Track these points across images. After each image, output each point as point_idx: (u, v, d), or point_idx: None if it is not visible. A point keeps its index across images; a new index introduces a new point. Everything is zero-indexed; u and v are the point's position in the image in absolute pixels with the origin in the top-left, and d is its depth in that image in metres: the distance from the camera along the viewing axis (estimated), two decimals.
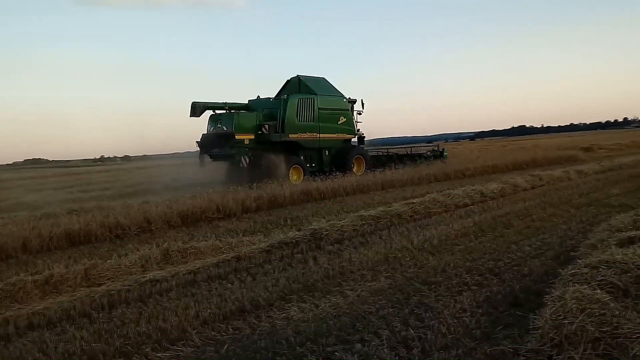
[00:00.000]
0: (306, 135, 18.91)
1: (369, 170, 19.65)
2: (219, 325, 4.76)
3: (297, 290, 5.62)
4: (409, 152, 24.18)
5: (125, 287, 6.05)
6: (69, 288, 6.17)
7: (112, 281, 6.36)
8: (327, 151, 20.00)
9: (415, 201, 10.63)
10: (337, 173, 17.07)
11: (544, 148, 30.56)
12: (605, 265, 4.43)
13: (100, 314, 5.26)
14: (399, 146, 29.38)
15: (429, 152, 23.61)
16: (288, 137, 18.25)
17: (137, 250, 7.76)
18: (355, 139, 21.41)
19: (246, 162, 17.39)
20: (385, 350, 3.91)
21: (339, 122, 20.11)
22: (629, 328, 3.35)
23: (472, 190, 12.03)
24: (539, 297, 4.55)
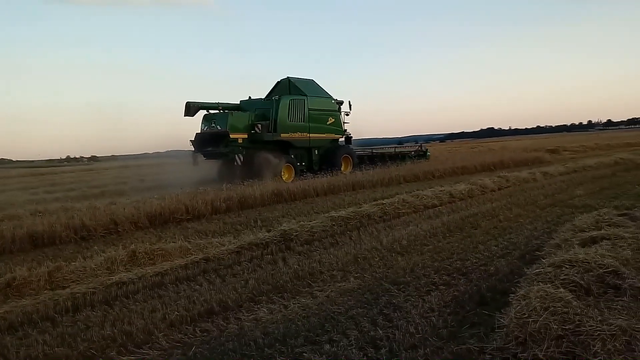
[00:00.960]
0: (297, 135, 19.64)
1: (355, 169, 20.43)
2: (187, 328, 4.69)
3: (267, 291, 5.58)
4: (394, 152, 25.33)
5: (91, 289, 5.91)
6: (32, 291, 6.00)
7: (77, 284, 6.21)
8: (316, 150, 20.79)
9: (385, 202, 10.70)
10: (327, 171, 17.90)
11: (511, 150, 31.13)
12: (569, 265, 4.53)
13: (64, 318, 5.14)
14: (383, 146, 31.06)
15: (413, 152, 25.11)
16: (280, 137, 18.90)
17: (103, 252, 7.60)
18: (342, 139, 22.30)
19: (240, 161, 17.89)
20: (354, 350, 3.92)
21: (327, 123, 21.01)
22: (591, 326, 3.43)
23: (441, 191, 12.17)
24: (504, 296, 4.61)
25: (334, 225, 8.91)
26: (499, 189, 13.51)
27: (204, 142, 18.71)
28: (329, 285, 5.68)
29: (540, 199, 11.21)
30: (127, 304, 5.44)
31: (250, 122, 18.76)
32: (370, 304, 4.97)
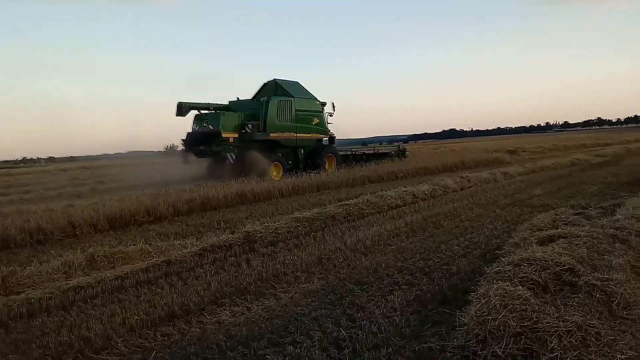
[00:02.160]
0: (285, 135, 20.59)
1: (338, 168, 21.50)
2: (147, 332, 4.60)
3: (230, 293, 5.52)
4: (374, 152, 27.10)
5: (47, 294, 5.73)
6: None
7: (32, 289, 6.01)
8: (302, 150, 21.78)
9: (349, 203, 10.74)
10: (312, 170, 18.85)
11: (472, 151, 31.74)
12: (527, 263, 4.62)
13: (18, 324, 4.99)
14: (364, 146, 34.01)
15: (394, 152, 26.37)
16: (269, 136, 19.79)
17: (60, 256, 7.37)
18: (326, 139, 23.38)
19: (233, 159, 18.66)
20: (317, 351, 3.91)
21: (313, 123, 22.06)
22: (548, 322, 3.50)
23: (404, 191, 12.29)
24: (465, 295, 4.68)
25: (298, 226, 8.89)
26: (461, 189, 13.74)
27: (196, 141, 19.30)
28: (293, 287, 5.66)
29: (501, 199, 11.44)
30: (85, 309, 5.30)
31: (240, 122, 19.45)
32: (333, 305, 4.97)
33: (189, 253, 7.30)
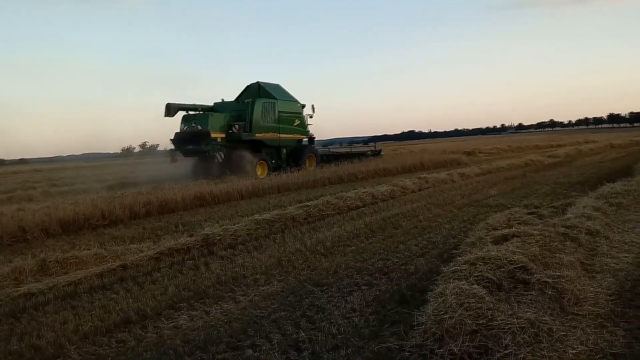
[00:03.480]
0: (269, 135, 21.59)
1: (318, 166, 22.36)
2: (101, 339, 4.48)
3: (188, 297, 5.44)
4: (350, 151, 28.42)
5: None
6: None
7: None
8: (284, 149, 22.82)
9: (309, 204, 10.74)
10: (294, 168, 20.38)
11: (430, 152, 32.17)
12: (482, 262, 4.71)
13: None
14: (340, 146, 34.83)
15: (370, 152, 28.04)
16: (255, 136, 20.74)
17: (10, 261, 7.14)
18: (306, 139, 24.52)
19: (221, 158, 19.56)
20: (276, 354, 3.88)
21: (294, 124, 23.21)
22: (502, 319, 3.58)
23: (364, 192, 12.38)
24: (423, 294, 4.73)
25: (258, 228, 8.84)
26: (419, 190, 13.93)
27: (184, 141, 20.02)
28: (252, 290, 5.62)
29: (458, 199, 11.66)
30: (36, 317, 5.13)
31: (225, 123, 20.32)
32: (293, 307, 4.96)
33: (145, 257, 7.16)
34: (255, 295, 5.41)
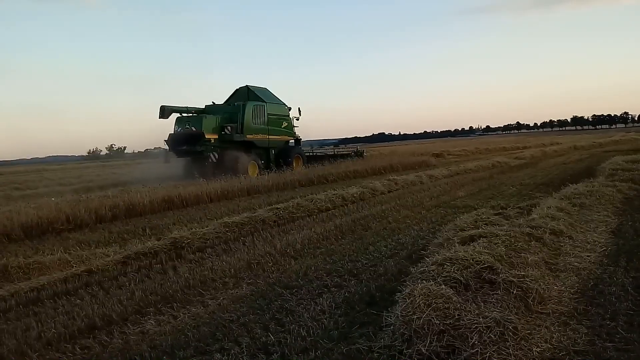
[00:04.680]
0: (259, 136, 22.66)
1: (304, 167, 23.23)
2: (65, 346, 4.38)
3: (155, 302, 5.35)
4: (334, 153, 29.49)
5: None
6: None
7: None
8: (273, 150, 23.93)
9: (279, 206, 10.70)
10: (282, 168, 21.12)
11: (400, 154, 32.40)
12: (450, 262, 4.76)
13: None
14: (325, 147, 36.44)
15: (353, 153, 29.20)
16: (246, 138, 21.74)
17: None
18: (292, 141, 25.65)
19: (215, 158, 20.42)
20: (245, 357, 3.86)
21: (282, 126, 24.28)
22: (469, 319, 3.62)
23: (334, 194, 12.41)
24: (392, 295, 4.74)
25: (227, 231, 8.76)
26: (389, 192, 14.03)
27: (178, 142, 20.78)
28: (221, 293, 5.56)
29: (426, 201, 11.78)
30: None
31: (217, 125, 21.12)
32: (262, 310, 4.93)
33: (111, 261, 7.03)
34: (224, 298, 5.36)
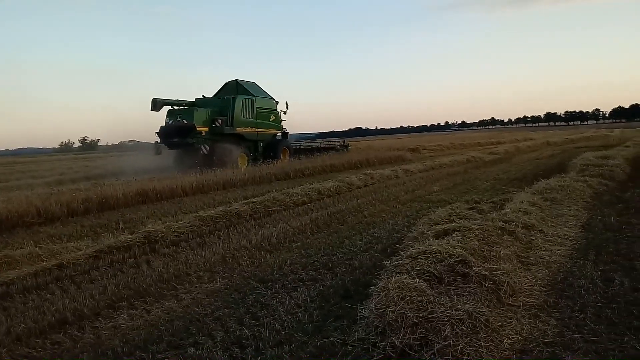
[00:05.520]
0: (248, 130, 23.09)
1: (292, 159, 23.54)
2: (35, 341, 4.30)
3: (128, 296, 5.29)
4: (320, 146, 30.24)
5: None
6: None
7: None
8: (261, 143, 24.39)
9: (255, 200, 10.66)
10: (270, 160, 21.81)
11: (376, 149, 32.48)
12: (424, 256, 4.80)
13: None
14: (311, 141, 37.63)
15: (339, 146, 29.78)
16: (236, 131, 22.19)
17: None
18: (280, 134, 25.98)
19: (206, 150, 20.82)
20: (219, 352, 3.84)
21: (270, 120, 24.70)
22: (442, 312, 3.66)
23: (310, 188, 12.40)
24: (367, 289, 4.76)
25: (202, 225, 8.70)
26: (365, 186, 14.08)
27: (170, 134, 21.13)
28: (196, 287, 5.52)
29: (402, 195, 11.87)
30: None
31: (207, 118, 21.45)
32: (237, 304, 4.91)
33: (83, 255, 6.91)
34: (198, 292, 5.33)
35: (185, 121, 21.02)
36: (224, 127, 21.60)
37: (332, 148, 29.23)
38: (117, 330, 4.44)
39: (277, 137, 25.88)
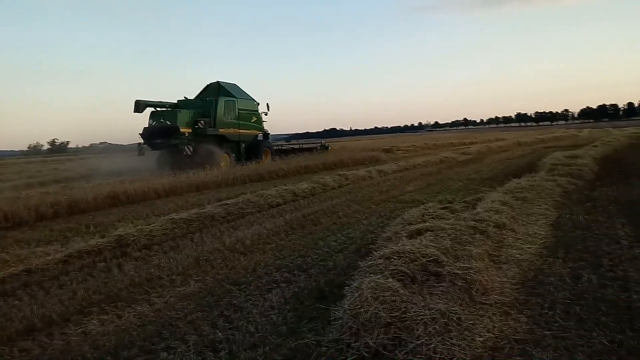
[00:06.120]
0: (231, 131, 23.49)
1: (273, 159, 24.05)
2: (2, 348, 4.19)
3: (98, 301, 5.19)
4: (301, 147, 30.86)
5: None
6: None
7: None
8: (243, 144, 24.82)
9: (229, 202, 10.59)
10: (252, 161, 22.45)
11: (350, 150, 32.53)
12: (397, 256, 4.83)
13: None
14: (292, 142, 38.37)
15: (319, 147, 30.55)
16: (218, 132, 22.52)
17: None
18: (261, 135, 26.44)
19: (190, 151, 20.81)
20: (192, 355, 3.80)
21: (252, 121, 25.16)
22: (415, 311, 3.69)
23: (285, 190, 12.38)
24: (341, 290, 4.76)
25: (175, 227, 8.60)
26: (339, 187, 14.11)
27: (153, 136, 21.28)
28: (168, 291, 5.45)
29: (376, 196, 11.92)
30: None
31: (190, 119, 21.68)
32: (210, 307, 4.86)
33: (52, 260, 6.76)
34: (171, 296, 5.26)
35: (168, 122, 21.23)
36: (206, 129, 21.86)
37: (313, 149, 29.91)
38: (87, 336, 4.36)
39: (258, 138, 26.18)
